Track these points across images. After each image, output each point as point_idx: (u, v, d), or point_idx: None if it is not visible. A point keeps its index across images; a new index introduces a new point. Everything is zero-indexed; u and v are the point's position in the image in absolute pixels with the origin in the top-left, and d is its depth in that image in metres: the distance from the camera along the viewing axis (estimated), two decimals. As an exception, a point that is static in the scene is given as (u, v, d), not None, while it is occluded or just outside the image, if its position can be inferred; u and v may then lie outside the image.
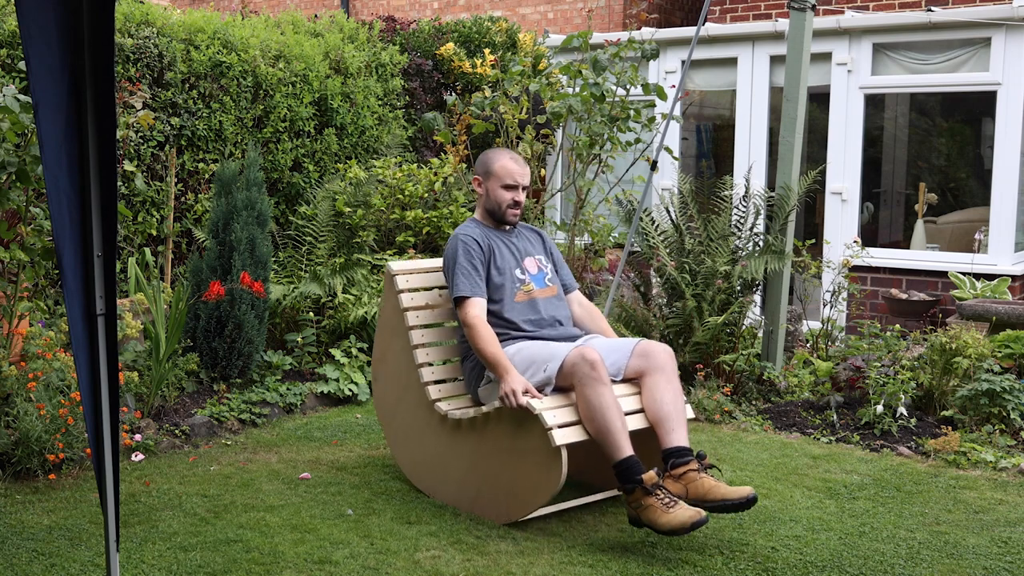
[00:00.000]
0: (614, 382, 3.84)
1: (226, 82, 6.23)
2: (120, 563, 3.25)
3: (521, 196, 4.12)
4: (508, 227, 4.20)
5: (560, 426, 3.61)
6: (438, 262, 4.23)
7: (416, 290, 4.19)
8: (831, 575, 3.39)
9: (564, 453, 3.56)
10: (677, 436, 3.71)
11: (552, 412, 3.64)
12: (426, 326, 4.18)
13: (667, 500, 3.48)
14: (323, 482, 4.27)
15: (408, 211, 6.56)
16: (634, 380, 3.90)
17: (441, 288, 4.22)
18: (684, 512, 3.42)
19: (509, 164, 4.10)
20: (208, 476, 4.31)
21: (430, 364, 4.14)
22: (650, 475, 3.52)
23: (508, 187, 4.09)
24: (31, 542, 3.52)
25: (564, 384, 3.74)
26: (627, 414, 3.74)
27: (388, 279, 4.19)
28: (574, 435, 3.62)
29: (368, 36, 7.51)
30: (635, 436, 3.72)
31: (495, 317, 4.00)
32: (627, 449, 3.59)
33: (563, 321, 4.13)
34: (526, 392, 3.70)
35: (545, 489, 3.63)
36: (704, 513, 3.43)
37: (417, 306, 4.17)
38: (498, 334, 3.96)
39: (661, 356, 3.86)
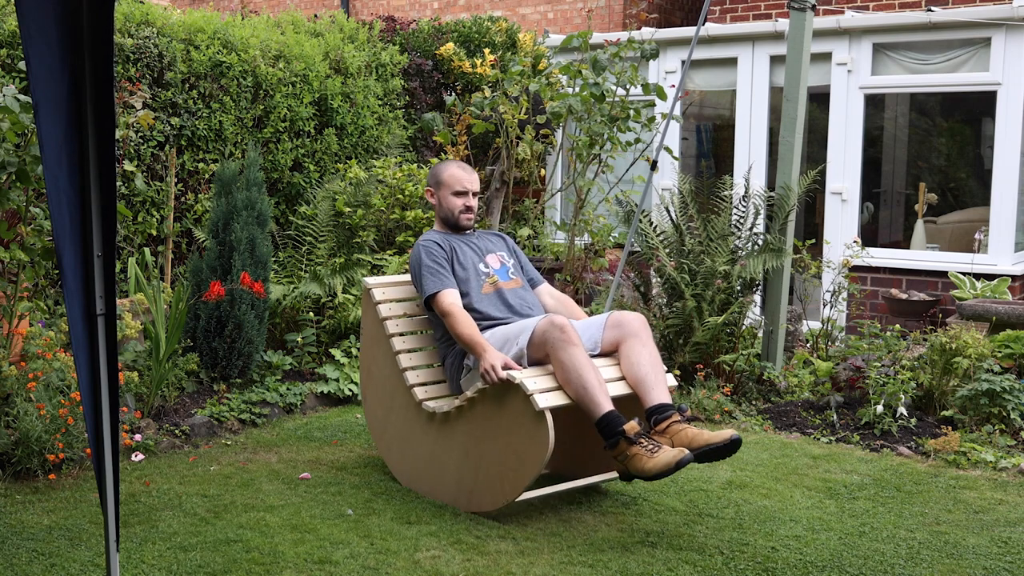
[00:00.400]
0: (592, 355, 3.92)
1: (226, 82, 6.23)
2: (120, 563, 3.25)
3: (472, 201, 4.30)
4: (465, 232, 4.36)
5: (541, 391, 3.68)
6: (408, 276, 4.40)
7: (393, 301, 4.34)
8: (831, 575, 3.39)
9: (549, 416, 3.62)
10: (658, 393, 3.79)
11: (532, 379, 3.72)
12: (406, 334, 4.31)
13: (651, 446, 3.55)
14: (323, 482, 4.27)
15: (408, 211, 6.56)
16: (612, 353, 4.00)
17: (415, 299, 4.36)
18: (668, 453, 3.49)
19: (457, 172, 4.31)
20: (208, 476, 4.31)
21: (413, 368, 4.22)
22: (631, 425, 3.60)
23: (458, 193, 4.29)
24: (31, 542, 3.52)
25: (538, 355, 3.83)
26: (608, 382, 3.81)
27: (365, 293, 4.35)
28: (556, 399, 3.69)
29: (368, 36, 7.51)
30: (619, 404, 3.77)
31: (466, 309, 4.11)
32: (606, 405, 3.65)
33: (533, 307, 4.24)
34: (505, 367, 3.78)
35: (536, 456, 3.67)
36: (687, 451, 3.49)
37: (395, 315, 4.31)
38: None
39: (634, 323, 3.97)
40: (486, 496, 3.89)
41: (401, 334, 4.28)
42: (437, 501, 4.07)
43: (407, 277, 4.42)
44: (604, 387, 3.71)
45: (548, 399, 3.67)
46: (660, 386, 3.82)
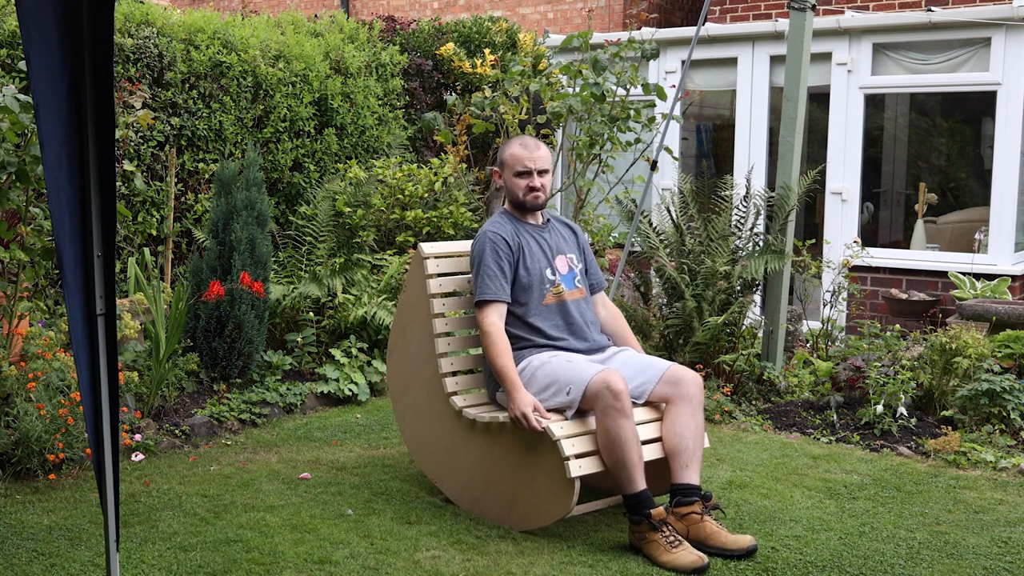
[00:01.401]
0: (636, 405, 3.75)
1: (226, 82, 6.23)
2: (120, 563, 3.25)
3: (537, 180, 3.95)
4: (537, 217, 4.06)
5: (577, 456, 3.55)
6: (469, 246, 4.10)
7: (445, 275, 4.07)
8: (831, 575, 3.39)
9: (577, 484, 3.54)
10: (689, 473, 3.66)
11: (571, 441, 3.56)
12: (449, 315, 4.06)
13: (672, 539, 3.47)
14: (323, 482, 4.27)
15: (408, 211, 6.56)
16: (656, 404, 3.83)
17: (469, 274, 4.05)
18: (687, 556, 3.41)
19: (518, 151, 3.97)
20: (208, 476, 4.31)
21: (450, 354, 4.03)
22: (659, 511, 3.51)
23: (520, 174, 3.96)
24: (31, 542, 3.52)
25: (586, 408, 3.65)
26: (645, 442, 3.67)
27: (418, 260, 4.05)
28: (590, 466, 3.57)
29: (368, 36, 7.51)
30: (648, 465, 3.68)
31: (520, 322, 3.89)
32: (641, 483, 3.55)
33: (590, 326, 4.00)
34: (535, 410, 3.63)
35: (552, 513, 3.62)
36: (706, 560, 3.41)
37: (445, 291, 4.05)
38: (523, 339, 3.87)
39: (691, 387, 3.76)
40: (491, 510, 3.85)
41: (444, 315, 4.03)
42: (437, 486, 4.06)
43: (463, 247, 4.15)
44: (642, 462, 3.57)
45: (582, 466, 3.55)
46: (694, 465, 3.67)
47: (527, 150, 3.97)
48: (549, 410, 3.71)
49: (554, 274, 3.97)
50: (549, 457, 3.59)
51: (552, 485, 3.60)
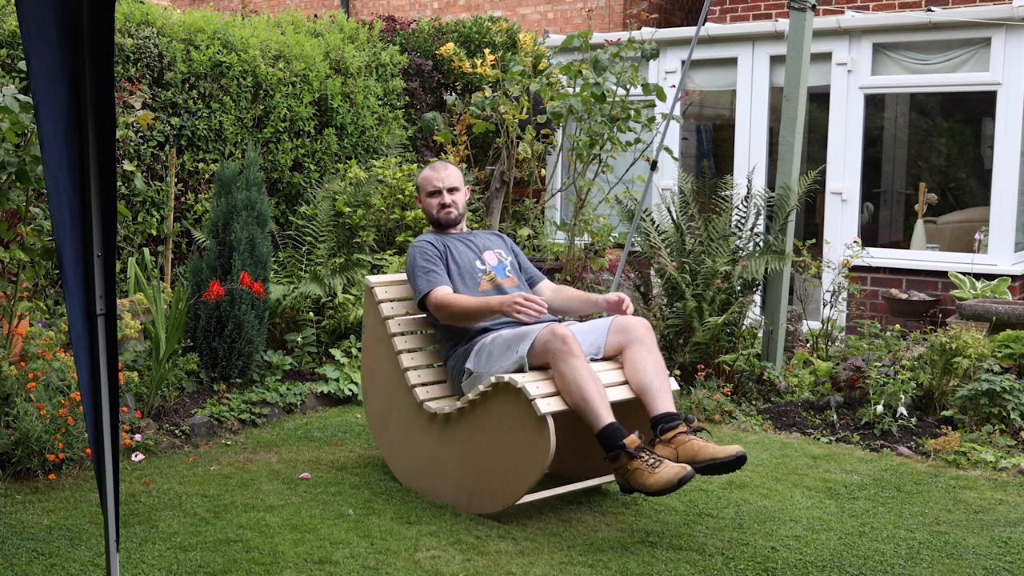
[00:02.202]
0: (595, 360, 3.91)
1: (226, 82, 6.23)
2: (120, 563, 3.25)
3: (448, 198, 4.30)
4: (459, 230, 4.37)
5: (543, 396, 3.67)
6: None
7: (395, 300, 4.34)
8: (831, 575, 3.39)
9: (550, 421, 3.61)
10: (663, 402, 3.76)
11: (534, 384, 3.70)
12: (408, 333, 4.31)
13: (652, 461, 3.52)
14: (323, 482, 4.27)
15: (408, 211, 6.56)
16: (615, 357, 3.97)
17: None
18: (670, 469, 3.46)
19: (427, 173, 4.35)
20: (208, 476, 4.31)
21: (415, 368, 4.21)
22: (632, 438, 3.57)
23: (430, 194, 4.32)
24: (31, 542, 3.52)
25: (538, 362, 3.79)
26: (611, 386, 3.80)
27: (367, 292, 4.35)
28: (558, 404, 3.68)
29: (368, 36, 7.51)
30: (622, 409, 3.78)
31: None
32: (607, 417, 3.63)
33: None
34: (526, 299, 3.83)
35: (537, 461, 3.66)
36: (690, 468, 3.46)
37: (397, 314, 4.31)
38: (470, 327, 4.08)
39: (639, 328, 3.93)
40: (486, 499, 3.88)
41: (402, 334, 4.28)
42: (437, 501, 4.07)
43: (405, 276, 4.42)
44: (605, 398, 3.67)
45: (550, 404, 3.66)
46: (665, 394, 3.79)
47: (435, 171, 4.35)
48: (505, 373, 3.85)
49: (484, 264, 4.23)
50: (521, 410, 3.69)
51: (529, 437, 3.67)
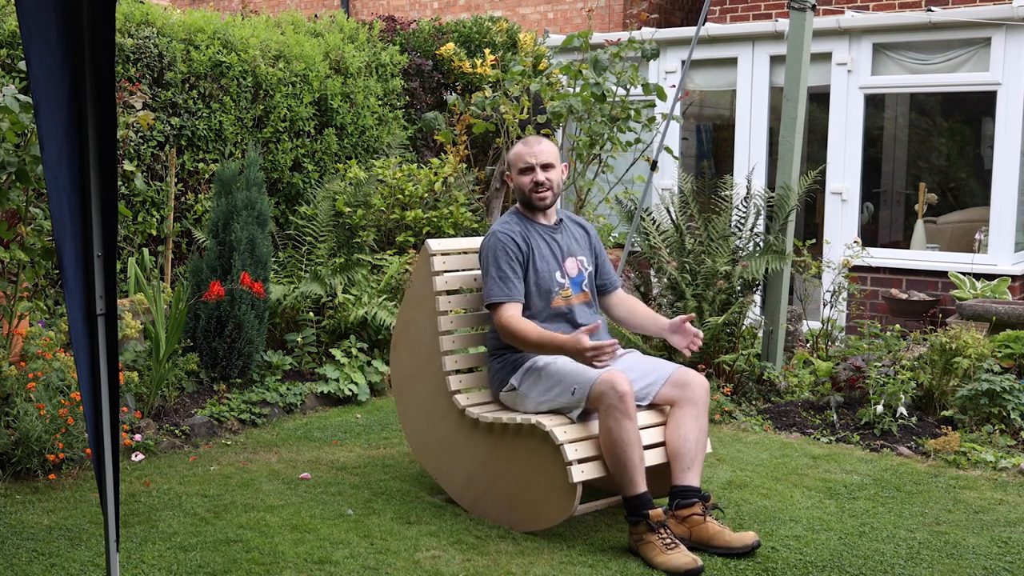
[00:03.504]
0: (640, 407, 3.75)
1: (226, 82, 6.23)
2: (120, 563, 3.25)
3: (542, 175, 3.91)
4: (549, 216, 4.01)
5: (580, 460, 3.55)
6: (476, 243, 4.11)
7: (451, 271, 4.05)
8: (831, 575, 3.39)
9: (579, 489, 3.54)
10: (690, 476, 3.66)
11: (574, 446, 3.56)
12: (453, 313, 4.05)
13: (668, 540, 3.46)
14: (323, 482, 4.27)
15: (408, 211, 6.56)
16: (661, 407, 3.83)
17: (476, 275, 4.08)
18: (681, 558, 3.40)
19: (520, 148, 3.97)
20: (208, 476, 4.31)
21: (454, 352, 4.03)
22: (657, 512, 3.51)
23: (523, 171, 3.94)
24: (31, 542, 3.52)
25: (590, 408, 3.63)
26: (648, 447, 3.66)
27: (425, 256, 4.04)
28: (592, 471, 3.56)
29: (368, 36, 7.51)
30: (649, 470, 3.68)
31: (528, 317, 3.87)
32: (641, 486, 3.54)
33: (599, 331, 3.94)
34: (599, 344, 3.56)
35: (553, 517, 3.62)
36: (700, 563, 3.40)
37: (451, 289, 4.04)
38: None
39: (697, 390, 3.75)
40: (492, 510, 3.85)
41: (448, 312, 4.02)
42: (438, 483, 4.06)
43: (471, 244, 4.15)
44: (643, 463, 3.56)
45: (585, 472, 3.54)
46: (696, 467, 3.67)
47: (528, 146, 3.95)
48: (552, 411, 3.72)
49: (563, 277, 3.94)
50: (552, 461, 3.59)
51: (554, 489, 3.59)
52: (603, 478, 3.66)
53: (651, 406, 3.82)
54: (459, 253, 4.11)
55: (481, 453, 3.89)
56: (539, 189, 3.93)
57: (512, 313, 3.78)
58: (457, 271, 4.08)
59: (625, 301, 4.17)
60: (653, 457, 3.68)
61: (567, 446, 3.54)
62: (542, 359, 3.80)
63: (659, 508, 3.54)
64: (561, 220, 4.06)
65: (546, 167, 3.93)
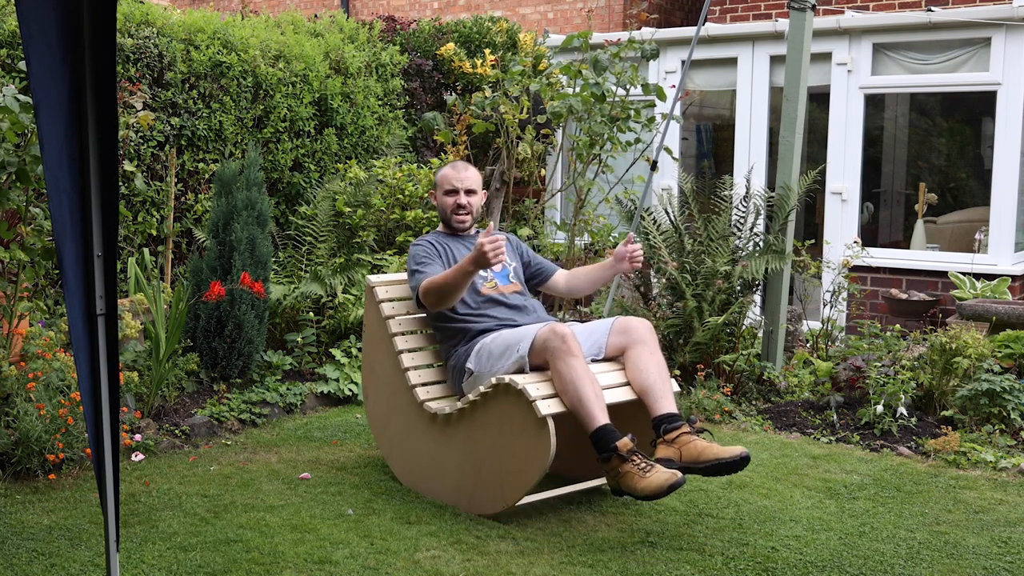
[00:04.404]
0: (596, 361, 3.92)
1: (226, 82, 6.23)
2: (120, 563, 3.25)
3: (464, 199, 4.24)
4: (466, 236, 4.31)
5: (544, 398, 3.67)
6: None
7: (395, 299, 4.32)
8: (831, 575, 3.39)
9: (551, 423, 3.61)
10: (665, 403, 3.76)
11: (534, 385, 3.70)
12: (408, 333, 4.29)
13: (643, 465, 3.52)
14: (323, 482, 4.27)
15: (408, 211, 6.56)
16: (617, 358, 3.96)
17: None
18: (661, 475, 3.46)
19: (447, 171, 4.26)
20: (208, 476, 4.31)
21: (415, 368, 4.20)
22: (624, 441, 3.56)
23: (448, 192, 4.24)
24: (31, 542, 3.52)
25: (538, 361, 3.79)
26: (611, 388, 3.79)
27: (368, 291, 4.33)
28: (558, 405, 3.67)
29: (368, 36, 7.51)
30: (623, 411, 3.79)
31: (469, 313, 4.09)
32: (601, 418, 3.62)
33: (534, 308, 4.21)
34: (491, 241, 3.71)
35: (537, 462, 3.66)
36: (680, 475, 3.46)
37: (398, 313, 4.29)
38: (471, 327, 4.06)
39: (641, 329, 3.92)
40: (486, 499, 3.88)
41: (403, 333, 4.27)
42: (437, 501, 4.07)
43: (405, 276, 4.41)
44: (601, 399, 3.66)
45: (551, 406, 3.65)
46: (668, 395, 3.78)
47: (455, 170, 4.26)
48: (506, 373, 3.83)
49: (486, 271, 4.14)
50: (521, 412, 3.69)
51: (529, 438, 3.67)
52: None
53: (606, 360, 3.97)
54: (399, 283, 4.37)
55: (461, 444, 3.98)
56: (459, 211, 4.25)
57: (427, 279, 3.99)
58: (400, 299, 4.35)
59: (565, 275, 4.42)
60: (622, 395, 3.82)
61: (528, 386, 3.68)
62: (488, 336, 4.01)
63: (625, 437, 3.58)
64: (477, 233, 4.32)
65: (469, 192, 4.26)
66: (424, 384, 4.20)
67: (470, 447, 3.95)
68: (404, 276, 4.42)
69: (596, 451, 3.63)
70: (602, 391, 3.71)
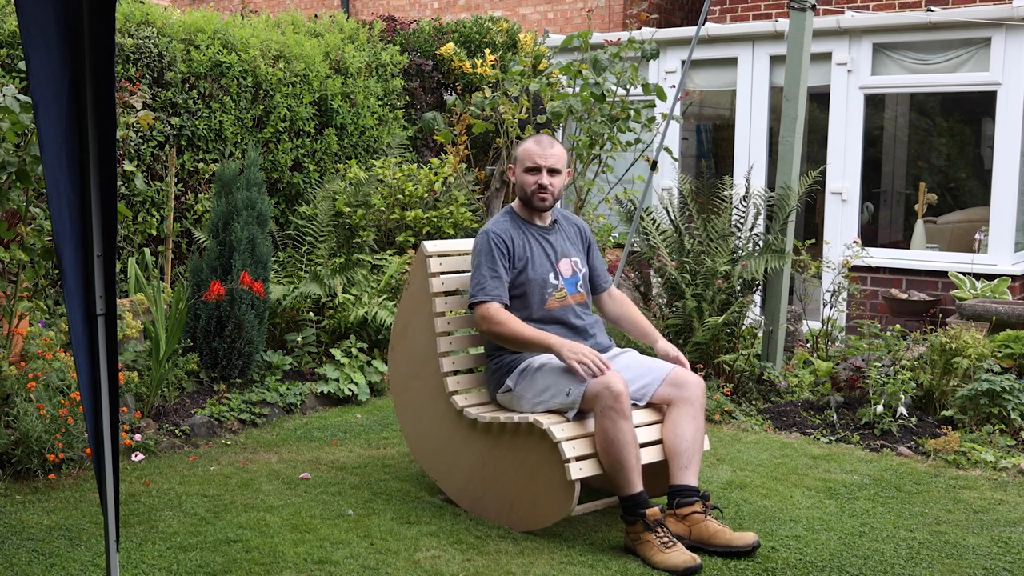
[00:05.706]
0: (637, 406, 3.76)
1: (226, 82, 6.23)
2: (120, 563, 3.25)
3: (546, 179, 3.86)
4: (544, 218, 3.99)
5: (578, 458, 3.55)
6: (471, 244, 4.06)
7: (447, 273, 4.05)
8: (831, 575, 3.39)
9: (578, 487, 3.54)
10: (688, 474, 3.65)
11: (571, 444, 3.56)
12: (451, 314, 4.04)
13: (665, 539, 3.46)
14: (323, 482, 4.27)
15: (408, 211, 6.56)
16: (658, 406, 3.82)
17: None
18: (680, 556, 3.40)
19: (530, 146, 3.90)
20: (208, 476, 4.31)
21: (449, 353, 4.01)
22: (654, 511, 3.51)
23: (529, 170, 3.88)
24: (31, 542, 3.52)
25: (586, 408, 3.64)
26: (645, 445, 3.66)
27: (420, 259, 4.03)
28: (590, 469, 3.56)
29: (368, 36, 7.51)
30: (646, 467, 3.67)
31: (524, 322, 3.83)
32: (637, 485, 3.54)
33: (592, 327, 3.97)
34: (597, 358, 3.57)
35: (552, 515, 3.62)
36: (699, 560, 3.40)
37: (447, 290, 4.03)
38: None
39: (693, 389, 3.75)
40: (491, 510, 3.85)
41: (445, 314, 4.01)
42: (437, 484, 4.06)
43: (466, 246, 4.10)
44: (639, 464, 3.55)
45: (583, 469, 3.54)
46: (693, 465, 3.67)
47: (540, 146, 3.90)
48: (549, 411, 3.70)
49: (557, 278, 3.92)
50: (549, 459, 3.59)
51: (552, 487, 3.59)
52: (600, 477, 3.66)
53: (648, 405, 3.82)
54: (455, 255, 4.10)
55: (479, 453, 3.89)
56: (542, 191, 3.90)
57: (495, 311, 3.75)
58: (454, 272, 4.07)
59: (617, 301, 4.19)
60: (650, 455, 3.68)
61: (564, 443, 3.54)
62: (536, 360, 3.79)
63: (655, 507, 3.54)
64: (556, 220, 4.04)
65: (552, 172, 3.89)
66: (457, 373, 4.02)
67: (489, 461, 3.84)
68: (462, 247, 4.14)
69: (623, 511, 3.56)
70: (640, 456, 3.58)
